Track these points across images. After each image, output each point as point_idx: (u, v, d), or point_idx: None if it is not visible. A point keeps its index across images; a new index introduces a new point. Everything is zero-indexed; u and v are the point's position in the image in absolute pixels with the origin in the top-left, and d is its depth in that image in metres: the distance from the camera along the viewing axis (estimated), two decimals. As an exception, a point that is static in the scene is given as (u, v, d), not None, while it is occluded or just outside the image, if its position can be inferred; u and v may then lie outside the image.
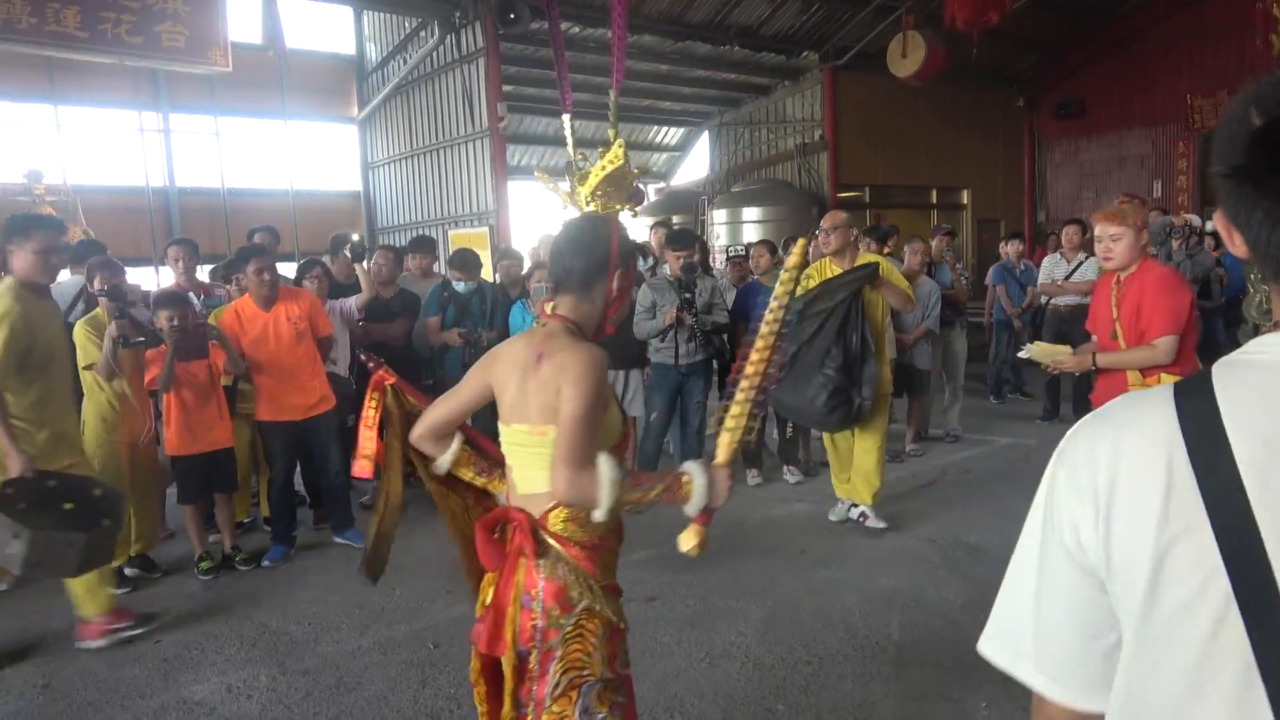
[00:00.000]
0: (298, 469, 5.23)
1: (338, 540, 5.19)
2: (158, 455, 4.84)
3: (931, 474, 6.30)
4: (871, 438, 4.95)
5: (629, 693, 1.91)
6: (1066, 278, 7.51)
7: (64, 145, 11.53)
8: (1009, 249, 8.69)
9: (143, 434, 4.63)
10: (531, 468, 1.88)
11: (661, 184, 17.64)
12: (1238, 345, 0.90)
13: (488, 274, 9.57)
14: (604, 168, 1.95)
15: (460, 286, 5.72)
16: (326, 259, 6.19)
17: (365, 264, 5.86)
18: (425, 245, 7.05)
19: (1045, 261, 7.82)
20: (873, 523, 4.98)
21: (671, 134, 17.19)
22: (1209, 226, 7.83)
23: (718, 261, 11.65)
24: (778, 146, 14.89)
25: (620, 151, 1.95)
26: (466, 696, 3.31)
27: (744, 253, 6.86)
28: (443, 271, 6.74)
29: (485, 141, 11.16)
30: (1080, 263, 7.45)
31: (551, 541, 1.86)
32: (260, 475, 5.44)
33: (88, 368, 4.43)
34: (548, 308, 1.94)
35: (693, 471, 1.75)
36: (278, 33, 11.27)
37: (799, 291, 2.00)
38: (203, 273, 6.22)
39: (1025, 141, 16.59)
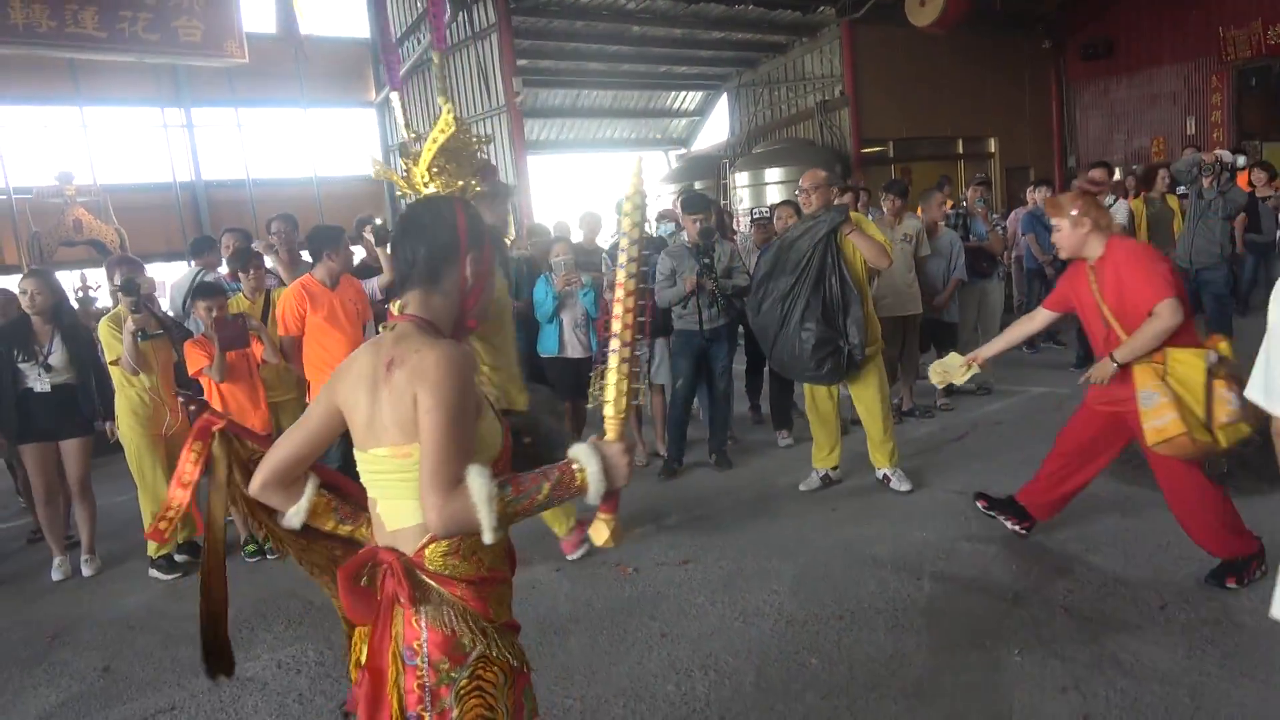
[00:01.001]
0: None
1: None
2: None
3: (963, 427, 6.27)
4: (870, 400, 4.93)
5: None
6: (1095, 222, 7.38)
7: (92, 145, 11.74)
8: (1036, 196, 8.55)
9: (170, 426, 4.75)
10: (398, 497, 1.61)
11: (682, 150, 17.52)
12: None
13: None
14: (435, 139, 1.76)
15: None
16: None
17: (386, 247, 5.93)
18: None
19: (1073, 207, 7.67)
20: (897, 484, 4.97)
21: (690, 99, 17.03)
22: (1240, 162, 7.63)
23: (741, 225, 11.59)
24: (798, 105, 14.70)
25: (450, 119, 1.75)
26: (507, 663, 3.41)
27: (768, 214, 6.82)
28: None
29: (503, 118, 11.16)
30: (1108, 206, 7.31)
31: (431, 583, 1.58)
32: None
33: (114, 363, 4.56)
34: (394, 308, 1.68)
35: (582, 457, 1.51)
36: (292, 21, 11.33)
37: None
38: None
39: (1052, 85, 16.21)
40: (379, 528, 1.69)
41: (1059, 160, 16.23)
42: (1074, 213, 3.54)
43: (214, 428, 1.81)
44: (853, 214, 4.95)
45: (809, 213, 4.90)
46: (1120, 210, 7.33)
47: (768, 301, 4.86)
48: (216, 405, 4.73)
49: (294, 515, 1.77)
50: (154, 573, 4.70)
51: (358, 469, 1.70)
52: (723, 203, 13.69)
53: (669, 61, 14.75)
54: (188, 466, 1.80)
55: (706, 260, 5.23)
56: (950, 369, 4.06)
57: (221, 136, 12.92)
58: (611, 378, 1.59)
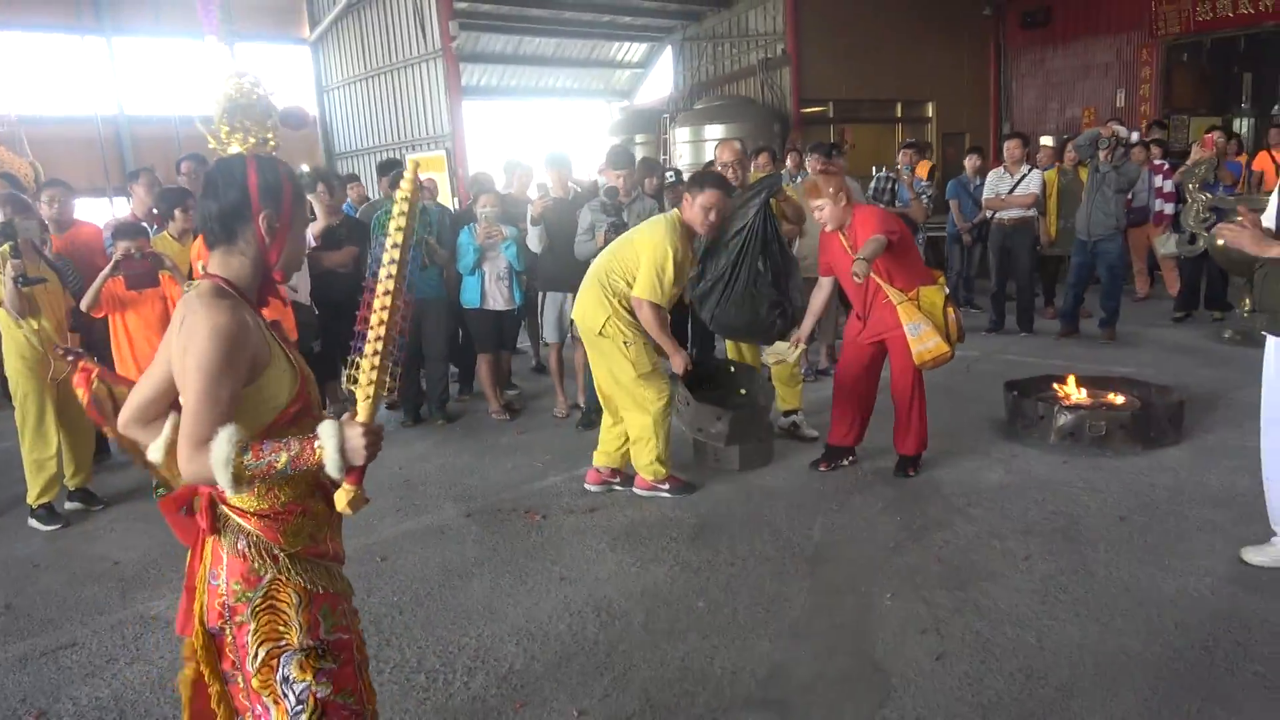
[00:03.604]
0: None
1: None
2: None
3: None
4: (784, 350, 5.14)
5: (348, 656, 1.82)
6: (1010, 191, 7.63)
7: (4, 74, 11.24)
8: (968, 163, 8.80)
9: (59, 372, 4.51)
10: None
11: (625, 102, 17.41)
12: None
13: (446, 199, 9.57)
14: (220, 102, 1.74)
15: None
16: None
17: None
18: (391, 168, 7.14)
19: (990, 176, 7.92)
20: (806, 431, 5.19)
21: (634, 50, 16.91)
22: (1134, 137, 7.94)
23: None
24: (741, 62, 14.71)
25: (233, 81, 1.73)
26: (409, 604, 3.53)
27: (674, 178, 6.94)
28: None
29: (438, 62, 10.98)
30: (1023, 176, 7.56)
31: (231, 514, 1.74)
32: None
33: None
34: (198, 265, 1.83)
35: (324, 435, 1.60)
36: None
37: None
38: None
39: (991, 52, 16.42)
40: None
41: (995, 127, 16.50)
42: (832, 190, 4.39)
43: (91, 375, 1.96)
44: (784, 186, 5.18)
45: (739, 184, 5.12)
46: (1034, 180, 7.59)
47: (713, 268, 4.99)
48: (124, 346, 4.71)
49: (154, 450, 1.87)
50: (33, 523, 4.56)
51: None
52: (662, 158, 13.70)
53: (613, 10, 14.60)
54: (84, 403, 1.96)
55: (613, 219, 5.30)
56: (781, 351, 4.77)
57: (145, 69, 12.46)
58: (365, 364, 1.68)
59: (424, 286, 5.80)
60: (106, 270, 4.56)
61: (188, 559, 1.86)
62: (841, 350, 4.87)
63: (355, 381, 1.67)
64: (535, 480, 4.90)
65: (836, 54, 14.01)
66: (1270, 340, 3.25)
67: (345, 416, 1.66)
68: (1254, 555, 3.43)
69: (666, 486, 4.49)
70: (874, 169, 8.90)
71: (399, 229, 1.67)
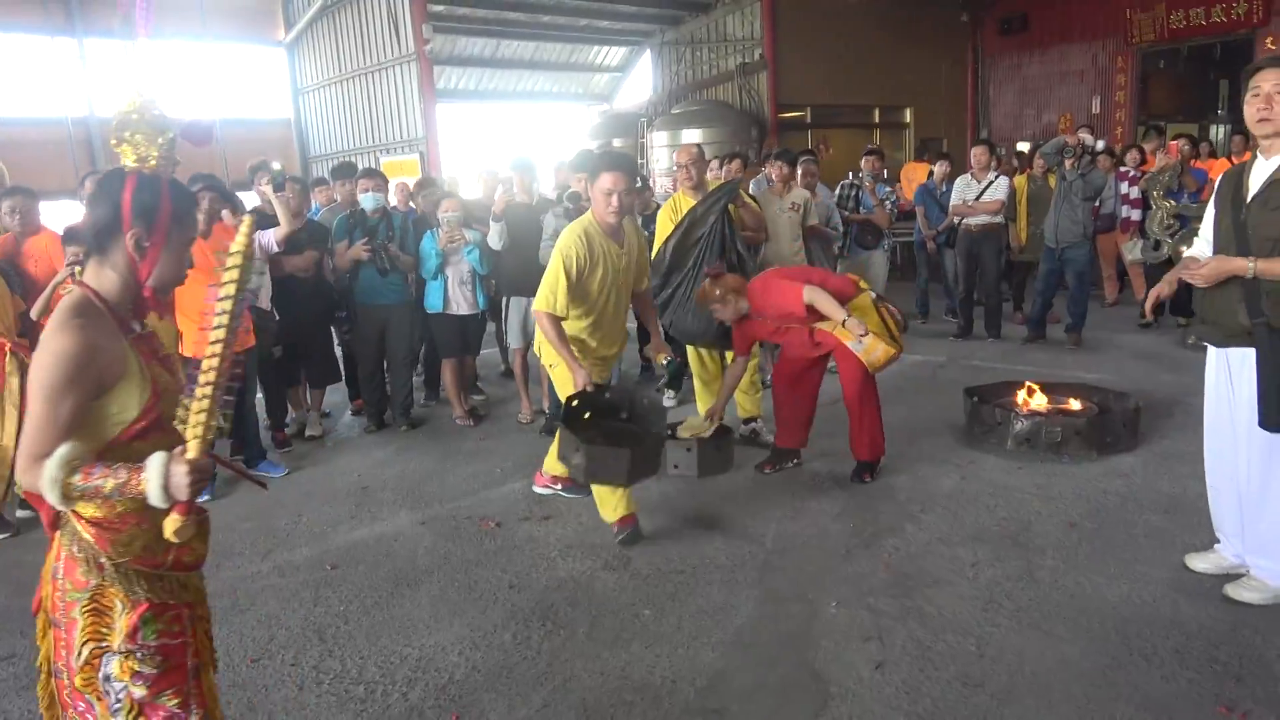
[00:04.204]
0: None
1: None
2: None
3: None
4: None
5: (178, 661, 1.85)
6: (977, 198, 7.67)
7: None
8: (935, 169, 8.83)
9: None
10: None
11: (604, 106, 17.41)
12: None
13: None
14: (119, 115, 1.77)
15: (368, 200, 5.71)
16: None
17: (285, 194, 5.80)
18: (349, 171, 7.02)
19: (957, 183, 7.95)
20: (766, 435, 5.19)
21: (612, 54, 16.91)
22: (1099, 145, 8.00)
23: (658, 186, 11.63)
24: (719, 66, 14.73)
25: (133, 101, 1.75)
26: (355, 613, 3.50)
27: (640, 185, 6.92)
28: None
29: (413, 65, 10.94)
30: (990, 182, 7.60)
31: (70, 517, 1.78)
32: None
33: None
34: (76, 272, 1.80)
35: (150, 468, 1.63)
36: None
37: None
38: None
39: (968, 58, 16.53)
40: None
41: (972, 133, 16.59)
42: (718, 293, 4.46)
43: (5, 347, 1.91)
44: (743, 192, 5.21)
45: (693, 184, 5.18)
46: (1001, 186, 7.63)
47: (677, 273, 5.00)
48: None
49: None
50: None
51: None
52: (640, 161, 13.70)
53: (591, 15, 14.60)
54: None
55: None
56: (696, 426, 4.58)
57: (119, 71, 12.36)
58: (195, 406, 1.68)
59: (388, 293, 5.78)
60: (59, 277, 4.50)
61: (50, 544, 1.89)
62: (779, 357, 4.89)
63: (185, 422, 1.68)
64: (494, 487, 4.88)
65: (814, 60, 14.06)
66: (1211, 350, 3.27)
67: (177, 451, 1.67)
68: (1198, 562, 3.45)
69: (616, 526, 4.11)
70: (850, 174, 8.94)
71: (231, 281, 1.66)
